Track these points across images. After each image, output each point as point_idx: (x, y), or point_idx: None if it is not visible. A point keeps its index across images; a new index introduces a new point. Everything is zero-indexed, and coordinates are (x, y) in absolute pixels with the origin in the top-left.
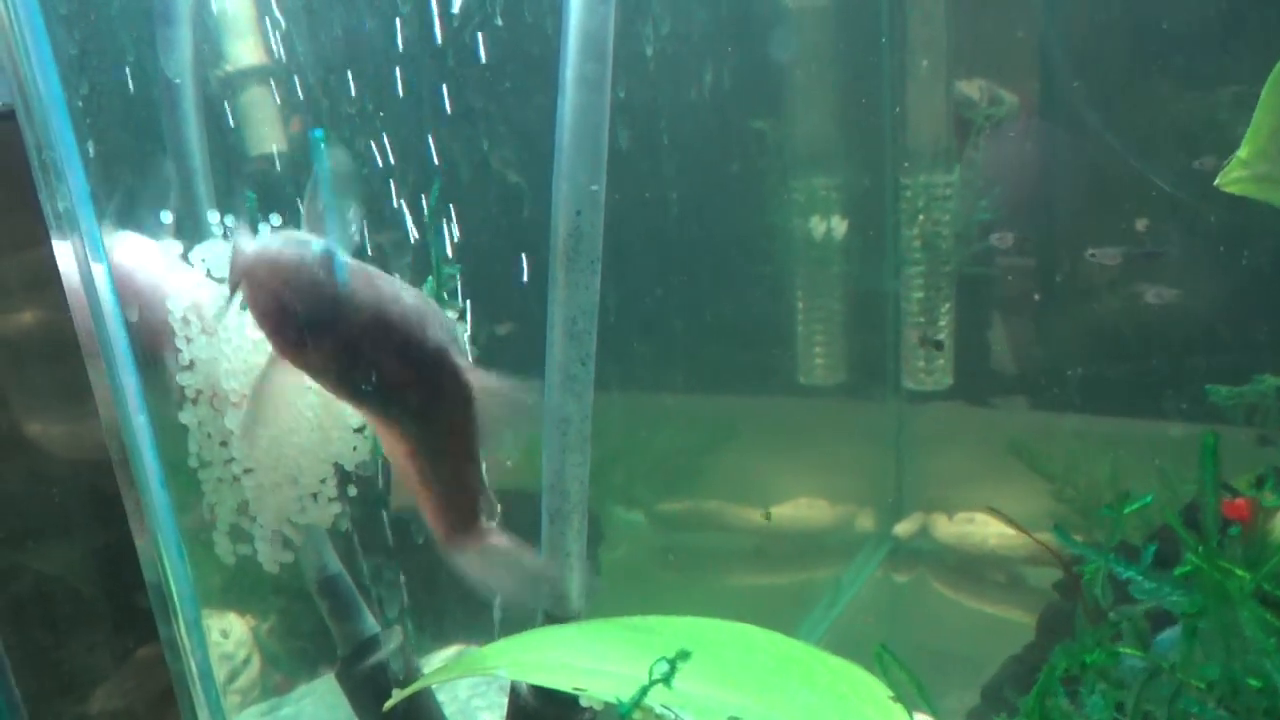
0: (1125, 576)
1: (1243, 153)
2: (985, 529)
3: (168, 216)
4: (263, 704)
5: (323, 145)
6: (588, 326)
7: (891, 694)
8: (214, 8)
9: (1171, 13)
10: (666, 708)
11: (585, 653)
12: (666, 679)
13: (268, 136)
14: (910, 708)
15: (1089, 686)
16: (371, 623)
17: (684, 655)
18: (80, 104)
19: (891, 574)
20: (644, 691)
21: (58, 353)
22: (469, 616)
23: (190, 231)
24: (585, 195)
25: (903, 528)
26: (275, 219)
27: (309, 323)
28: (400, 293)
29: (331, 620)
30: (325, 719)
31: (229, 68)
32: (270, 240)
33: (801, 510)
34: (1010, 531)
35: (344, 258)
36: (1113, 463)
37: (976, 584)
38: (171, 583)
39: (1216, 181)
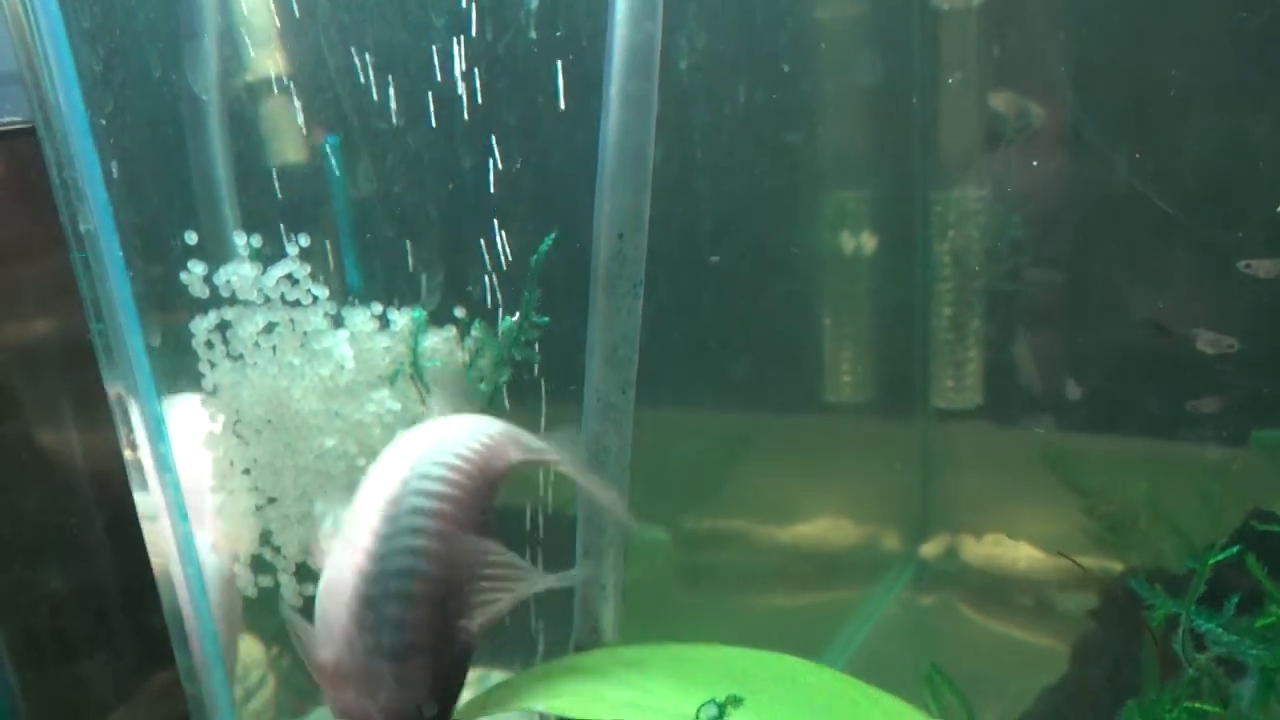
0: (1204, 629)
1: None
2: (1014, 551)
3: (192, 237)
4: None
5: (337, 153)
6: (629, 353)
7: None
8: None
9: (1210, 30)
10: None
11: (628, 684)
12: None
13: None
14: None
15: None
16: None
17: (736, 700)
18: (104, 122)
19: (918, 596)
20: None
21: (74, 362)
22: (494, 641)
23: (214, 253)
24: (628, 217)
25: (929, 549)
26: (303, 239)
27: None
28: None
29: None
30: None
31: (250, 77)
32: None
33: (826, 530)
34: (1039, 554)
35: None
36: (1149, 482)
37: (1005, 608)
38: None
39: None
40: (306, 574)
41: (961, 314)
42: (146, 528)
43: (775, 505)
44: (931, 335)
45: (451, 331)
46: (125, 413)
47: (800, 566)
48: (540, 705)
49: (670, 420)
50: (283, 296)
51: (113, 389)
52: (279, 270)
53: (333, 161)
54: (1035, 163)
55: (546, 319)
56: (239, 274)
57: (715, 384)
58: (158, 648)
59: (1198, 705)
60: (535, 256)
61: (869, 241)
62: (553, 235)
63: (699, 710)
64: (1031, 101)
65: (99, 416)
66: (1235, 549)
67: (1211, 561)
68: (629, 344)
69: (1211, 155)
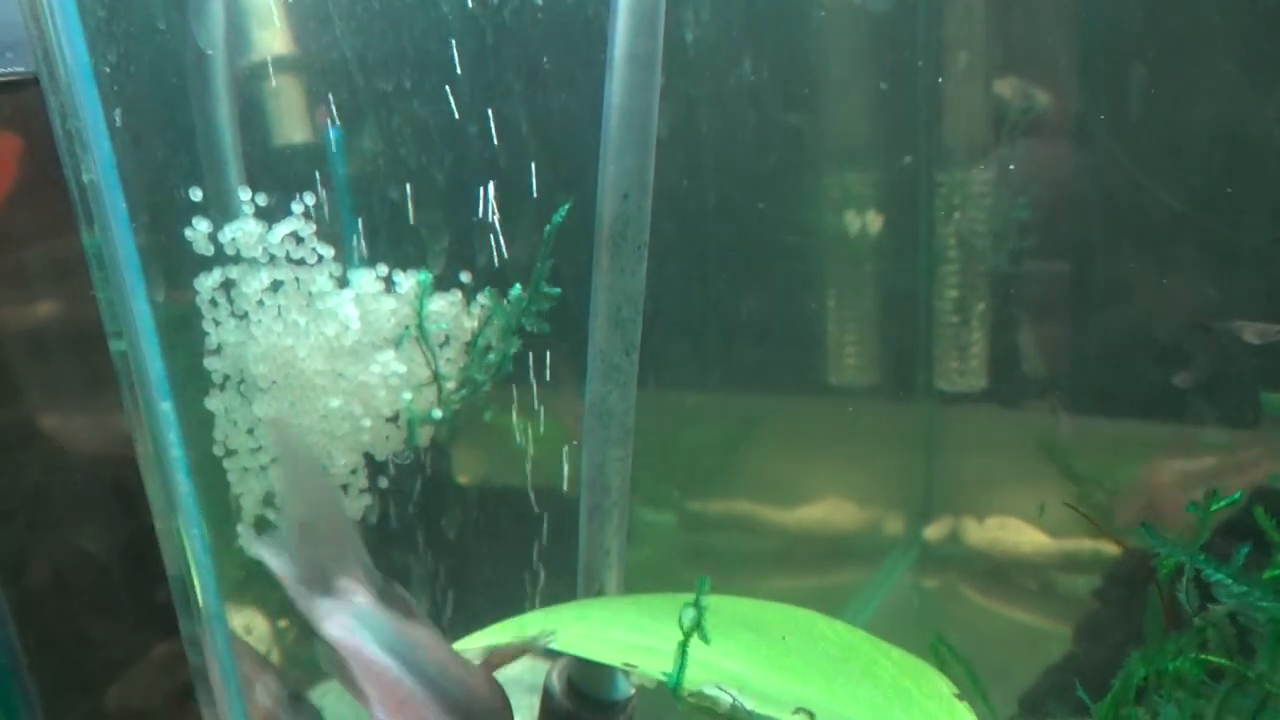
0: (1214, 579)
1: None
2: (1017, 534)
3: (197, 194)
4: None
5: (339, 144)
6: (633, 315)
7: (956, 691)
8: None
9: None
10: (722, 688)
11: (637, 628)
12: (700, 632)
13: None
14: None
15: (1166, 695)
16: None
17: (701, 611)
18: (108, 70)
19: (921, 579)
20: (683, 651)
21: (79, 343)
22: (500, 607)
23: (219, 210)
24: (633, 178)
25: (933, 531)
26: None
27: None
28: None
29: None
30: (347, 716)
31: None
32: None
33: (830, 512)
34: (1043, 537)
35: None
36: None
37: (1007, 590)
38: (195, 575)
39: None
40: None
41: (966, 296)
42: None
43: (779, 487)
44: (936, 318)
45: (457, 296)
46: (128, 370)
47: (804, 549)
48: (556, 643)
49: (674, 402)
50: (288, 255)
51: (116, 345)
52: (284, 228)
53: (335, 150)
54: (1038, 153)
55: (558, 289)
56: (244, 230)
57: (719, 366)
58: (159, 619)
59: (1204, 657)
60: (548, 227)
61: (874, 223)
62: (566, 206)
63: (680, 616)
64: (1035, 87)
65: (105, 399)
66: (1238, 495)
67: (1215, 508)
68: (633, 305)
69: (1217, 143)
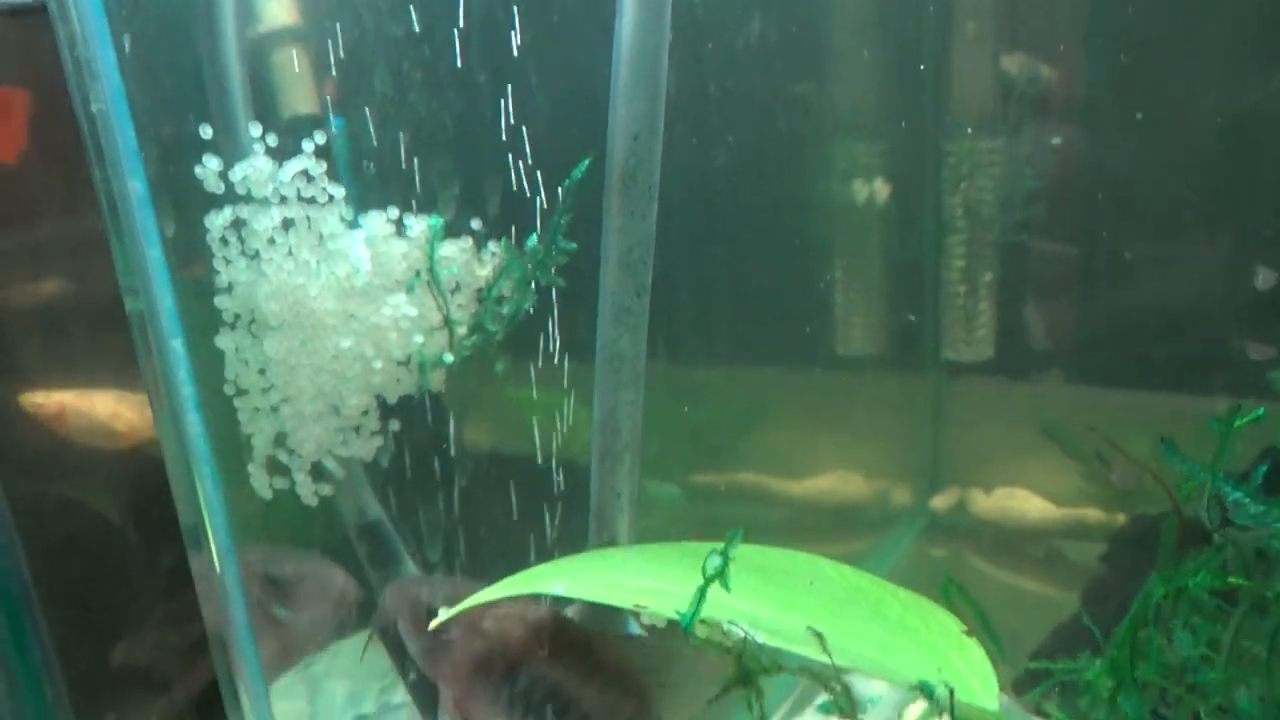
0: (1233, 499)
1: None
2: (1025, 503)
3: (207, 131)
4: None
5: (343, 136)
6: (644, 256)
7: (964, 628)
8: None
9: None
10: (733, 624)
11: (645, 574)
12: (721, 577)
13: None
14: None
15: (1181, 620)
16: (412, 569)
17: (726, 560)
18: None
19: (928, 548)
20: (701, 593)
21: (89, 320)
22: (513, 559)
23: (228, 148)
24: (643, 120)
25: (940, 501)
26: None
27: None
28: None
29: (370, 567)
30: (359, 673)
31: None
32: None
33: (837, 483)
34: (1050, 506)
35: None
36: (1152, 441)
37: (1015, 559)
38: (206, 515)
39: None
40: (320, 474)
41: (973, 266)
42: (162, 430)
43: (787, 458)
44: (943, 288)
45: (468, 242)
46: (139, 316)
47: (812, 519)
48: (560, 590)
49: (682, 375)
50: (299, 193)
51: (126, 282)
52: (294, 165)
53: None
54: (1045, 125)
55: (575, 245)
56: (254, 168)
57: (727, 338)
58: (170, 579)
59: (1227, 578)
60: (567, 182)
61: (881, 192)
62: (586, 161)
63: (704, 561)
64: (1042, 60)
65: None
66: (1260, 411)
67: (1238, 424)
68: (644, 247)
69: (1226, 128)
